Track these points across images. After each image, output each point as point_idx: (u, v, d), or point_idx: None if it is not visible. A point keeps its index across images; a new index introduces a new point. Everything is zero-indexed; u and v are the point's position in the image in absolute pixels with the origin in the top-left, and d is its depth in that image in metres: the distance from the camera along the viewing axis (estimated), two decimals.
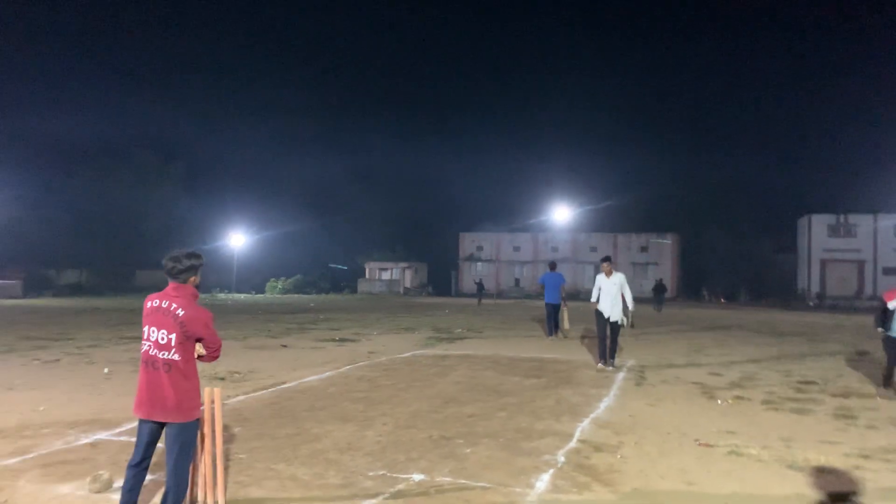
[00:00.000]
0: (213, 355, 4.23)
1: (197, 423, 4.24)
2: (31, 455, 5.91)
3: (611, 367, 11.44)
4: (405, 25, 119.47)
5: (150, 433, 4.16)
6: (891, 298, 9.43)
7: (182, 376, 4.07)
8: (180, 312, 4.05)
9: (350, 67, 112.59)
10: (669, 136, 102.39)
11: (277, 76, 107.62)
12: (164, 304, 4.09)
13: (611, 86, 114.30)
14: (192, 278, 4.21)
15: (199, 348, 4.16)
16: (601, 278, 11.64)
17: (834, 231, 53.74)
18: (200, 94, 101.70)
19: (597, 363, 11.78)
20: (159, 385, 4.05)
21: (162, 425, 4.13)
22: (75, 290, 47.55)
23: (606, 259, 11.87)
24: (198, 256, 4.26)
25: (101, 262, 51.88)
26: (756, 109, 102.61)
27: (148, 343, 4.10)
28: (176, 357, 4.05)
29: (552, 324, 17.13)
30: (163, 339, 4.05)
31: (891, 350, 9.44)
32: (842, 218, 53.64)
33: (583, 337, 17.14)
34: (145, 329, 4.12)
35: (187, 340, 4.07)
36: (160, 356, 4.05)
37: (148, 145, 62.74)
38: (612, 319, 11.43)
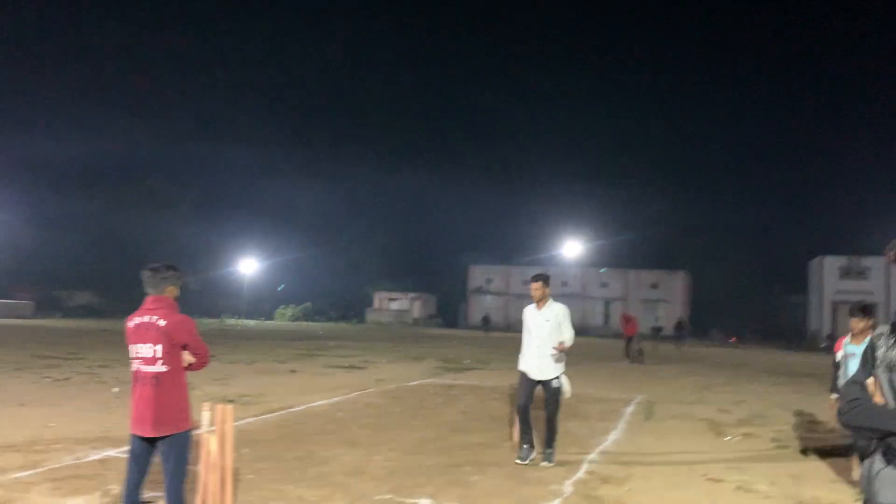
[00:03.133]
0: (201, 362, 4.21)
1: (189, 435, 4.22)
2: (41, 469, 5.96)
3: (545, 462, 6.82)
4: (418, 55, 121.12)
5: (142, 449, 4.17)
6: (840, 348, 6.47)
7: (170, 387, 4.08)
8: (162, 323, 4.07)
9: (363, 97, 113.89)
10: (681, 175, 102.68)
11: (292, 103, 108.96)
12: (146, 319, 4.11)
13: (625, 124, 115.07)
14: (170, 288, 4.24)
15: (188, 356, 4.16)
16: (528, 312, 7.13)
17: (846, 273, 53.48)
18: (214, 121, 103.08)
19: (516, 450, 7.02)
20: (150, 400, 4.06)
21: (154, 441, 4.14)
22: (86, 311, 47.82)
23: (538, 277, 7.03)
24: (176, 268, 4.31)
25: (112, 285, 52.17)
26: (770, 149, 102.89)
27: (136, 361, 4.12)
28: (164, 368, 4.06)
29: None
30: (149, 353, 4.06)
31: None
32: (854, 260, 53.39)
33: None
34: (131, 348, 4.13)
35: (174, 349, 4.08)
36: (147, 370, 4.07)
37: (161, 170, 63.53)
38: (543, 380, 6.91)
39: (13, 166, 54.91)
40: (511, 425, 7.62)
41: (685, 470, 7.00)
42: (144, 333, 4.09)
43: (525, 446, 6.83)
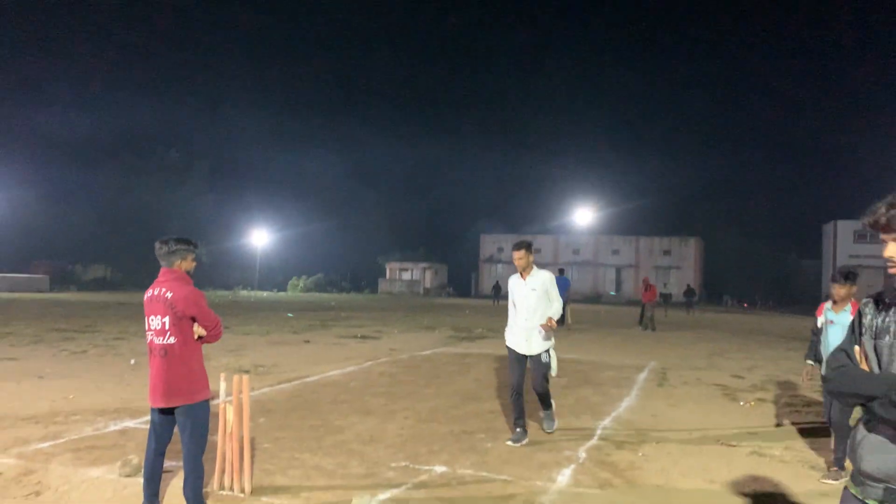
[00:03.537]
0: (213, 334, 4.24)
1: (206, 406, 4.25)
2: (61, 440, 6.05)
3: (546, 428, 6.79)
4: (429, 24, 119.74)
5: (161, 420, 4.24)
6: (821, 314, 6.05)
7: (180, 359, 4.11)
8: (168, 294, 4.10)
9: (376, 69, 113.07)
10: (694, 141, 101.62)
11: (303, 76, 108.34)
12: (157, 292, 4.15)
13: (637, 89, 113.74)
14: (181, 262, 4.24)
15: (199, 329, 4.19)
16: (512, 283, 6.70)
17: (860, 237, 53.03)
18: (226, 94, 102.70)
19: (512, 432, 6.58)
20: (160, 371, 4.12)
21: (172, 412, 4.20)
22: (100, 284, 48.28)
23: (521, 245, 6.59)
24: (187, 242, 4.30)
25: (125, 258, 52.57)
26: (783, 115, 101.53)
27: (150, 333, 4.17)
28: (172, 340, 4.10)
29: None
30: (158, 324, 4.11)
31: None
32: None
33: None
34: (146, 320, 4.19)
35: (181, 321, 4.11)
36: (158, 342, 4.12)
37: (173, 144, 63.55)
38: (530, 354, 6.46)
39: (27, 142, 55.18)
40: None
41: (699, 436, 7.02)
42: (155, 305, 4.13)
43: (518, 430, 6.43)
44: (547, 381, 6.56)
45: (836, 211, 55.38)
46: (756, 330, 24.02)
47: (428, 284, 63.81)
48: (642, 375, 11.06)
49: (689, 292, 37.22)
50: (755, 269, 56.95)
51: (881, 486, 2.14)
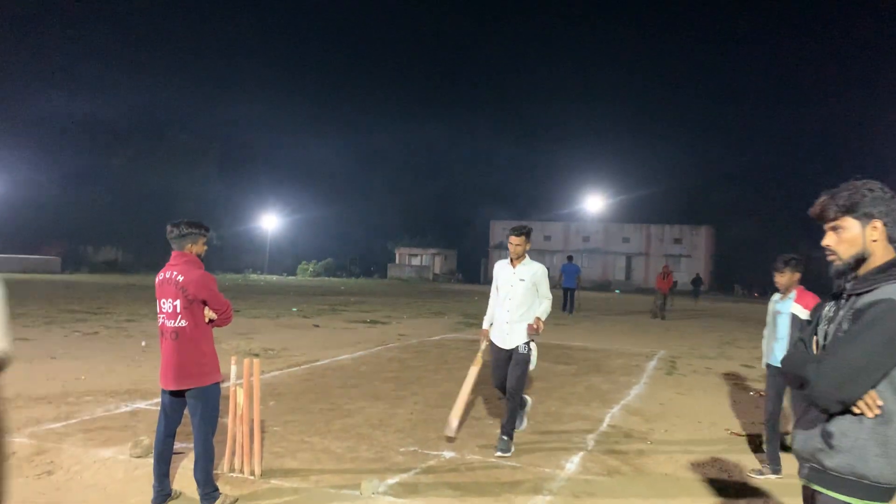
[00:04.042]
0: (224, 317, 4.24)
1: (216, 389, 4.27)
2: (73, 421, 6.10)
3: (499, 452, 5.58)
4: (440, 9, 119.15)
5: (171, 402, 4.26)
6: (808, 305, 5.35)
7: (191, 342, 4.13)
8: (180, 278, 4.12)
9: (385, 52, 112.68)
10: (706, 128, 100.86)
11: (315, 61, 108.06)
12: (168, 275, 4.17)
13: (650, 76, 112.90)
14: (191, 246, 4.25)
15: (209, 312, 4.19)
16: (499, 269, 6.12)
17: None
18: (237, 78, 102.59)
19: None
20: (171, 353, 4.14)
21: (182, 394, 4.22)
22: (111, 266, 48.50)
23: (521, 231, 5.91)
24: (199, 226, 4.30)
25: (136, 241, 52.82)
26: (796, 100, 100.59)
27: (161, 315, 4.19)
28: (183, 323, 4.12)
29: (566, 302, 21.84)
30: (170, 308, 4.13)
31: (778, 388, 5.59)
32: None
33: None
34: (158, 303, 4.21)
35: (191, 305, 4.12)
36: (169, 325, 4.14)
37: (185, 126, 63.62)
38: (507, 347, 5.84)
39: (38, 123, 55.26)
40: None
41: (707, 424, 7.01)
42: (167, 288, 4.15)
43: (504, 437, 5.67)
44: (523, 377, 5.81)
45: None
46: None
47: (437, 270, 63.84)
48: (651, 364, 11.04)
49: (696, 280, 37.81)
50: (766, 259, 56.65)
51: (807, 465, 2.21)
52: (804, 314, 5.26)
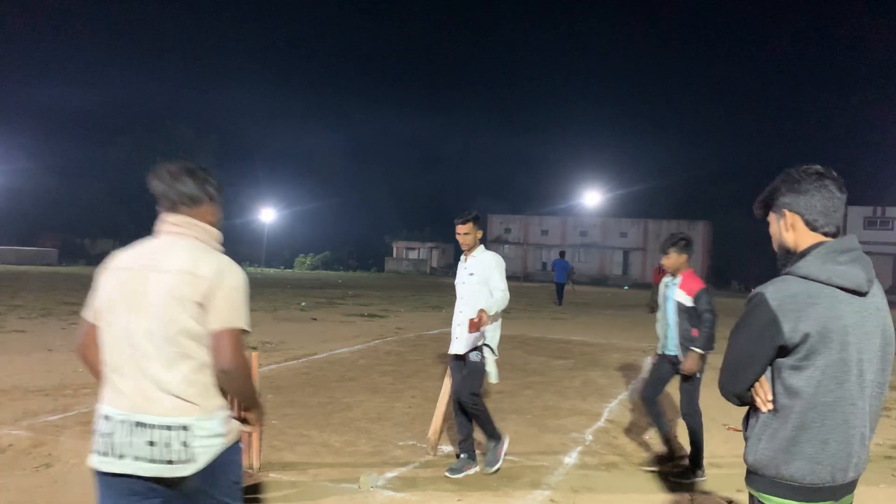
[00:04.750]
0: None
1: None
2: (71, 413, 6.09)
3: (487, 468, 4.92)
4: (441, 8, 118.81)
5: None
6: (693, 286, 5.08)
7: None
8: None
9: (382, 44, 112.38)
10: (704, 123, 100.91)
11: (312, 53, 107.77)
12: None
13: (648, 71, 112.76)
14: None
15: None
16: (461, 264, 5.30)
17: (870, 223, 52.72)
18: (235, 71, 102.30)
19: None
20: None
21: None
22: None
23: (467, 218, 5.16)
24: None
25: (134, 232, 52.72)
26: (793, 97, 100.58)
27: None
28: None
29: (558, 295, 23.45)
30: None
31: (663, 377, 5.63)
32: (879, 210, 52.56)
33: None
34: None
35: None
36: None
37: (182, 118, 63.45)
38: (457, 353, 5.11)
39: (36, 115, 55.15)
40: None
41: (705, 419, 6.97)
42: None
43: (462, 455, 4.95)
44: (477, 393, 4.88)
45: (849, 196, 54.57)
46: None
47: (435, 264, 63.85)
48: (650, 358, 11.04)
49: None
50: (763, 254, 56.77)
51: None
52: (688, 300, 4.93)
